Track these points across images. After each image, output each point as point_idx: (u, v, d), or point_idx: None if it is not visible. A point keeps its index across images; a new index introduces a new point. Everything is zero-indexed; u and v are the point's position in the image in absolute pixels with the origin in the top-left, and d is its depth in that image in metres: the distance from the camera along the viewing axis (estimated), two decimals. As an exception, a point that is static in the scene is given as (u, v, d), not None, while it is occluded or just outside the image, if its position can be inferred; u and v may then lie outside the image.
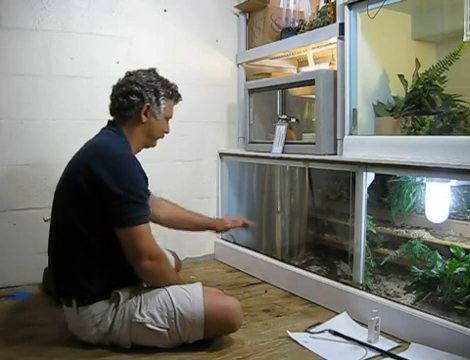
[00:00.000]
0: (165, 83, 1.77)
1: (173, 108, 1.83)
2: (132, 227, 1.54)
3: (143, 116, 1.72)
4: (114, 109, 1.75)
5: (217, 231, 2.25)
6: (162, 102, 1.75)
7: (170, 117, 1.83)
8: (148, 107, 1.72)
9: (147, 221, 1.59)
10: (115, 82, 1.71)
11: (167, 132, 1.84)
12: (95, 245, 1.58)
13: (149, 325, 1.56)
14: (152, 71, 1.78)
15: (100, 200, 1.55)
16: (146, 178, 1.65)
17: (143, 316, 1.57)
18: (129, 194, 1.54)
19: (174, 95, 1.81)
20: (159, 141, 1.87)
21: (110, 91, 1.76)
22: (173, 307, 1.58)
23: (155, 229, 1.95)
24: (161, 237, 1.97)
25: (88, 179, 1.55)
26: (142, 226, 1.56)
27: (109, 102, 1.76)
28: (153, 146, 1.84)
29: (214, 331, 1.63)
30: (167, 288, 1.63)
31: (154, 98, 1.73)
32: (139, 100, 1.70)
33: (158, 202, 2.04)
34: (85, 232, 1.57)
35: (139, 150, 1.79)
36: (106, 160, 1.57)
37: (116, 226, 1.55)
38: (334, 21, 2.13)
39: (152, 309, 1.58)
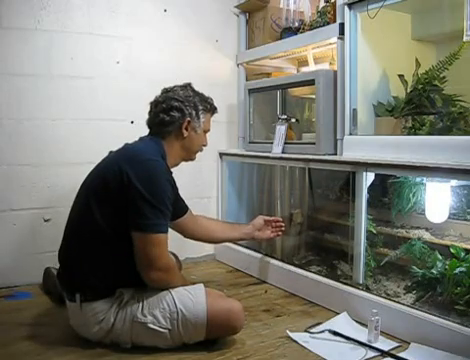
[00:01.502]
0: (202, 97, 1.82)
1: (210, 121, 1.88)
2: (151, 234, 1.55)
3: (184, 131, 1.76)
4: (154, 125, 1.79)
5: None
6: (201, 116, 1.80)
7: (208, 130, 1.87)
8: (189, 122, 1.76)
9: (166, 231, 1.60)
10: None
11: (205, 145, 1.89)
12: (110, 243, 1.59)
13: (151, 325, 1.57)
14: (188, 86, 1.82)
15: (126, 200, 1.56)
16: (174, 188, 1.70)
17: (145, 316, 1.57)
18: (154, 200, 1.56)
19: (211, 108, 1.86)
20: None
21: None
22: (176, 308, 1.58)
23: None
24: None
25: (117, 177, 1.57)
26: (161, 235, 1.57)
27: (147, 117, 1.82)
28: (192, 160, 1.89)
29: (216, 333, 1.63)
30: (170, 289, 1.63)
31: (194, 113, 1.77)
32: (180, 115, 1.75)
33: (195, 219, 2.11)
34: (103, 228, 1.58)
35: (176, 164, 1.84)
36: (136, 163, 1.60)
37: (135, 229, 1.56)
38: (334, 21, 2.13)
39: (154, 309, 1.58)
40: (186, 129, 1.77)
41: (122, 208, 1.56)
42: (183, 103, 1.75)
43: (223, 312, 1.62)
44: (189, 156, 1.86)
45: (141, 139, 1.79)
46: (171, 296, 1.61)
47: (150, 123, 1.80)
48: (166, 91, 1.80)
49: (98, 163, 1.73)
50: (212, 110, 1.87)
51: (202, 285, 1.69)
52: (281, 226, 2.26)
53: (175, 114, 1.74)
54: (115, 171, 1.59)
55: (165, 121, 1.74)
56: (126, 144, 1.77)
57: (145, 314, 1.57)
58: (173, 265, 1.66)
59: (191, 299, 1.61)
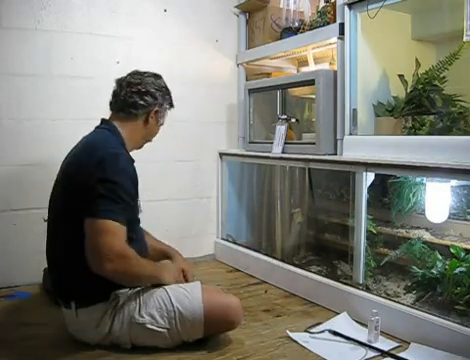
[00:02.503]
0: (169, 91, 1.81)
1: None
2: (100, 220, 1.47)
3: (150, 119, 1.75)
4: (124, 105, 1.72)
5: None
6: (167, 108, 1.80)
7: (162, 124, 1.84)
8: (157, 111, 1.75)
9: (120, 220, 1.50)
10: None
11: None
12: None
13: (149, 325, 1.56)
14: (161, 77, 1.81)
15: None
16: (135, 184, 1.62)
17: (143, 317, 1.57)
18: (108, 190, 1.50)
19: (172, 105, 1.84)
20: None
21: (110, 91, 1.76)
22: (172, 306, 1.58)
23: (156, 230, 1.97)
24: (161, 237, 1.98)
25: (80, 173, 1.54)
26: (112, 222, 1.48)
27: (112, 97, 1.75)
28: (139, 148, 1.82)
29: (214, 329, 1.63)
30: (166, 288, 1.63)
31: (164, 104, 1.77)
32: (152, 102, 1.73)
33: None
34: (81, 232, 1.53)
35: (131, 151, 1.76)
36: (98, 155, 1.55)
37: (85, 216, 1.49)
38: (334, 21, 2.13)
39: (152, 309, 1.58)
40: (152, 117, 1.75)
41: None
42: (158, 91, 1.74)
43: (220, 307, 1.62)
44: (140, 145, 1.81)
45: (98, 130, 1.73)
46: (167, 294, 1.60)
47: (120, 103, 1.72)
48: (139, 74, 1.76)
49: (59, 168, 1.69)
50: (172, 106, 1.85)
51: (199, 282, 1.68)
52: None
53: (149, 99, 1.72)
54: (77, 167, 1.57)
55: (137, 104, 1.71)
56: (84, 138, 1.71)
57: (142, 315, 1.57)
58: (129, 253, 1.51)
59: (187, 296, 1.60)
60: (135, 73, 1.77)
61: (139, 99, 1.71)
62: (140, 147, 1.83)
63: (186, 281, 1.74)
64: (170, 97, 1.82)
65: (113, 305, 1.59)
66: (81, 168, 1.56)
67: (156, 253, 1.89)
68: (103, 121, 1.76)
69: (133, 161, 1.67)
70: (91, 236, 1.48)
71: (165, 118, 1.82)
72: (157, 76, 1.79)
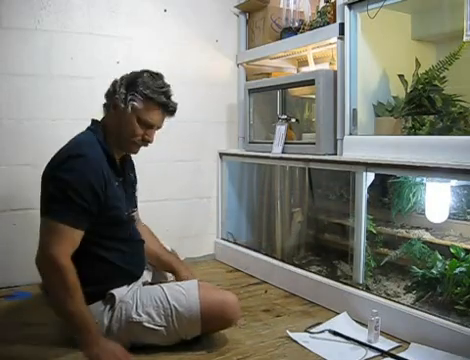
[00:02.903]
0: (154, 86, 1.60)
1: (157, 116, 1.64)
2: (44, 218, 1.51)
3: (112, 110, 1.64)
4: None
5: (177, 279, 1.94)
6: (135, 100, 1.58)
7: (150, 124, 1.63)
8: (116, 100, 1.60)
9: (65, 221, 1.46)
10: None
11: (142, 138, 1.64)
12: (81, 246, 1.52)
13: (146, 324, 1.56)
14: (146, 72, 1.65)
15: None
16: (94, 191, 1.51)
17: (140, 315, 1.57)
18: (57, 189, 1.49)
19: (157, 101, 1.60)
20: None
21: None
22: (169, 304, 1.58)
23: (156, 231, 1.97)
24: (161, 237, 1.98)
25: (43, 177, 1.59)
26: (55, 223, 1.46)
27: None
28: (131, 151, 1.72)
29: (211, 325, 1.62)
30: (162, 286, 1.63)
31: (123, 93, 1.59)
32: (112, 91, 1.64)
33: (140, 228, 1.85)
34: None
35: (120, 147, 1.67)
36: (59, 156, 1.57)
37: (40, 213, 1.54)
38: (334, 21, 2.13)
39: (148, 308, 1.58)
40: (114, 108, 1.62)
41: None
42: (119, 81, 1.63)
43: (217, 304, 1.61)
44: (121, 143, 1.65)
45: (82, 131, 1.71)
46: (163, 292, 1.60)
47: None
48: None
49: None
50: (158, 103, 1.61)
51: (195, 280, 1.68)
52: None
53: (110, 89, 1.66)
54: (45, 173, 1.59)
55: (106, 94, 1.68)
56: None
57: (140, 313, 1.57)
58: (62, 266, 1.43)
59: (183, 293, 1.60)
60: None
61: (108, 89, 1.67)
62: (126, 149, 1.70)
63: None
64: (151, 91, 1.59)
65: (109, 304, 1.59)
66: (45, 171, 1.59)
67: (160, 264, 1.89)
68: (92, 121, 1.72)
69: (101, 168, 1.56)
70: (41, 237, 1.50)
71: (145, 113, 1.60)
72: (145, 73, 1.64)
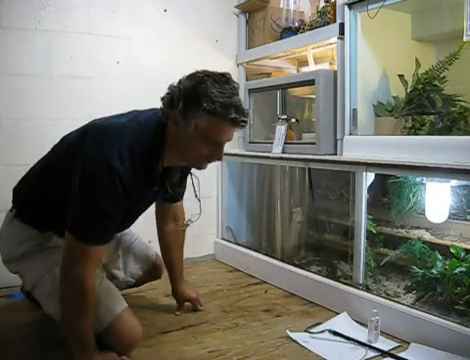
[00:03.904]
0: (213, 94, 1.33)
1: (227, 132, 1.40)
2: (76, 241, 1.34)
3: (171, 124, 1.41)
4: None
5: (174, 296, 1.99)
6: (198, 116, 1.33)
7: (218, 141, 1.40)
8: (175, 116, 1.37)
9: (93, 243, 1.35)
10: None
11: (210, 158, 1.43)
12: (50, 182, 1.51)
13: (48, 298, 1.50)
14: (206, 76, 1.42)
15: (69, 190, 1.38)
16: (123, 208, 1.37)
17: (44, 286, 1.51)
18: (86, 205, 1.33)
19: (224, 115, 1.33)
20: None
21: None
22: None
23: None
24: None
25: (70, 160, 1.42)
26: (82, 245, 1.34)
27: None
28: (198, 168, 1.51)
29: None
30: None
31: (181, 106, 1.35)
32: (168, 103, 1.39)
33: (168, 228, 1.89)
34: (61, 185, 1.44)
35: (184, 161, 1.50)
36: (90, 156, 1.36)
37: (67, 223, 1.37)
38: (334, 21, 2.13)
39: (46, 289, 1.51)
40: (174, 123, 1.39)
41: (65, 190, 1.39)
42: (178, 90, 1.37)
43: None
44: (186, 160, 1.48)
45: (146, 113, 1.49)
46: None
47: None
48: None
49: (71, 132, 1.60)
50: (227, 120, 1.34)
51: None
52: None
53: (167, 97, 1.40)
54: (69, 152, 1.46)
55: (162, 100, 1.43)
56: (110, 117, 1.52)
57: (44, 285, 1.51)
58: (87, 289, 1.36)
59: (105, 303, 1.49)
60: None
61: (164, 96, 1.43)
62: (192, 165, 1.54)
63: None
64: (217, 104, 1.32)
65: (43, 241, 1.56)
66: (73, 156, 1.40)
67: (171, 271, 1.94)
68: (162, 111, 1.44)
69: (134, 182, 1.37)
70: (66, 252, 1.37)
71: (211, 130, 1.36)
72: (208, 80, 1.39)
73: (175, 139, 1.42)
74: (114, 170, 1.32)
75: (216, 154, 1.42)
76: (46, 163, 1.62)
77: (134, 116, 1.49)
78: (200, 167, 1.49)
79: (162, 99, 1.42)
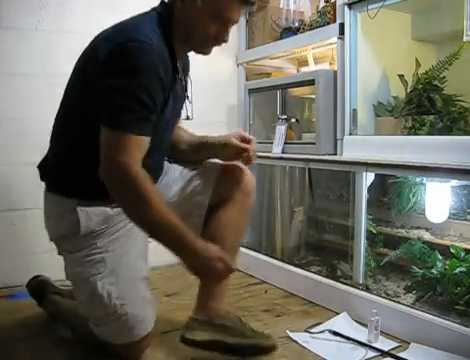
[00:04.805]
0: None
1: (236, 9, 1.37)
2: (106, 129, 1.28)
3: (179, 3, 1.38)
4: None
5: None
6: None
7: (228, 19, 1.38)
8: None
9: (130, 132, 1.27)
10: None
11: (219, 37, 1.41)
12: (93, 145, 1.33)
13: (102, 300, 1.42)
14: None
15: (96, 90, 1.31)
16: (161, 82, 1.31)
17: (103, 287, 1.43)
18: (120, 89, 1.26)
19: None
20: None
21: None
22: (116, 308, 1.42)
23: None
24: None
25: (90, 63, 1.38)
26: (117, 134, 1.26)
27: None
28: (203, 53, 1.49)
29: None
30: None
31: None
32: None
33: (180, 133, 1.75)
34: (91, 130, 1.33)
35: (191, 45, 1.47)
36: (112, 44, 1.32)
37: (101, 123, 1.29)
38: (334, 21, 2.13)
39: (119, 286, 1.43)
40: (181, 0, 1.37)
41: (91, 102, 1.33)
42: None
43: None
44: (189, 42, 1.44)
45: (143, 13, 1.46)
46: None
47: None
48: None
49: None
50: None
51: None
52: (250, 159, 1.64)
53: None
54: (90, 56, 1.39)
55: None
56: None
57: (104, 284, 1.41)
58: (135, 174, 1.26)
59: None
60: None
61: None
62: (198, 49, 1.49)
63: (248, 162, 1.58)
64: None
65: (74, 220, 1.43)
66: (92, 60, 1.37)
67: (197, 152, 1.73)
68: (161, 2, 1.44)
69: (166, 59, 1.34)
70: (103, 148, 1.28)
71: (222, 5, 1.34)
72: None
73: (183, 19, 1.39)
74: (147, 46, 1.28)
75: (222, 33, 1.40)
76: (64, 109, 1.51)
77: (135, 16, 1.45)
78: (205, 51, 1.47)
79: None
